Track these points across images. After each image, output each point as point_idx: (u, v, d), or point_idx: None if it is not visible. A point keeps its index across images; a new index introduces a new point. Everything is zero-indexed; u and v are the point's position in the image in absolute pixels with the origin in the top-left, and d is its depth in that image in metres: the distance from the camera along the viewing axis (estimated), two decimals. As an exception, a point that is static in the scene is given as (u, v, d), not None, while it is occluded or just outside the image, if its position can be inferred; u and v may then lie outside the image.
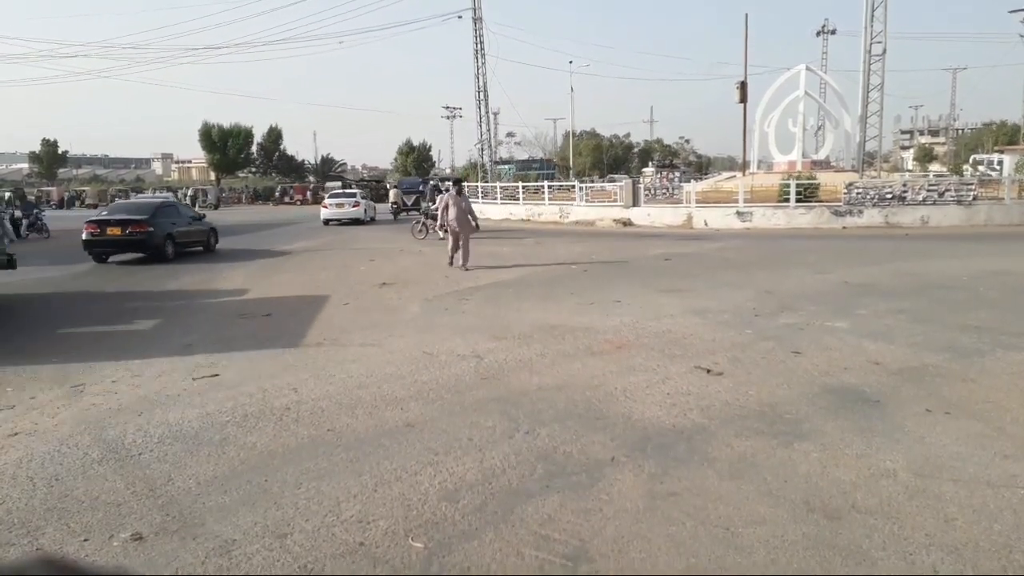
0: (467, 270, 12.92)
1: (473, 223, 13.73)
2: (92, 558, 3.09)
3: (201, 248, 17.90)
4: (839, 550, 3.02)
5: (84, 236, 15.77)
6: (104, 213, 17.12)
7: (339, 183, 46.90)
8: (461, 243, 13.43)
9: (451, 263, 13.51)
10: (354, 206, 28.20)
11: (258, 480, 3.86)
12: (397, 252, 17.16)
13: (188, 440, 4.51)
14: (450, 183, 15.87)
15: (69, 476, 3.99)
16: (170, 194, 38.95)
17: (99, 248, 15.84)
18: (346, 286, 11.56)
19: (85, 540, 3.24)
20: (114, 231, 15.72)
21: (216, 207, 47.21)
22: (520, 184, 33.51)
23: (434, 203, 21.32)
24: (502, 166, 55.69)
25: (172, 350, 7.14)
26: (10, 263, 11.13)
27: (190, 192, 52.20)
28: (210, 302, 10.44)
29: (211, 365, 6.45)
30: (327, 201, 29.25)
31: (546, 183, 32.36)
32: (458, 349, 6.82)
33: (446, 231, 13.76)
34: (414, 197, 33.24)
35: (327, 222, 27.77)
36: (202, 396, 5.47)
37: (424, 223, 20.65)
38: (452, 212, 13.58)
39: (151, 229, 15.78)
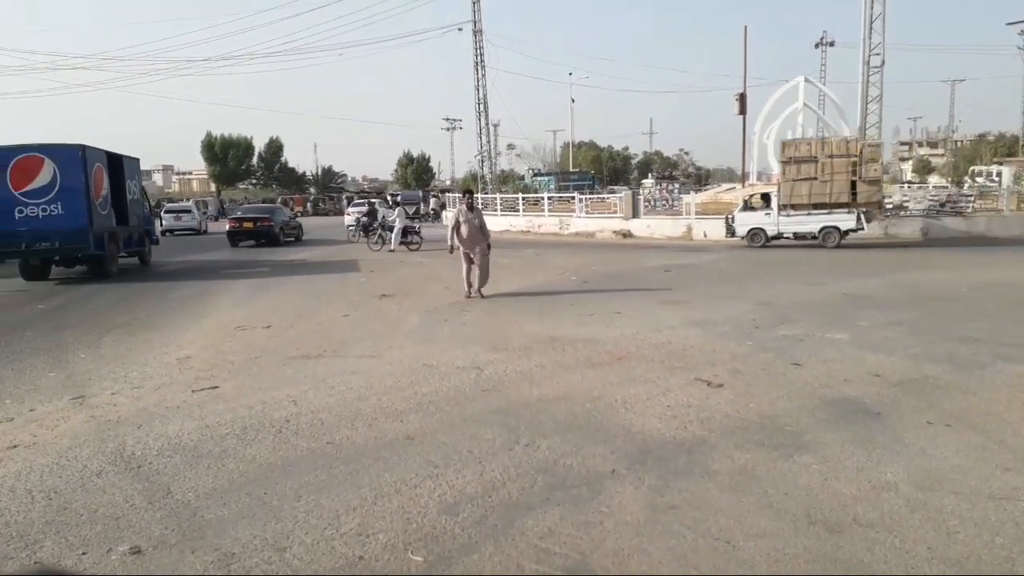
0: (484, 296, 11.09)
1: (485, 242, 11.37)
2: (90, 571, 3.07)
3: (293, 239, 26.05)
4: (840, 563, 3.01)
5: (228, 228, 24.54)
6: (239, 213, 26.70)
7: (384, 198, 48.82)
8: (478, 265, 11.19)
9: (468, 293, 11.19)
10: (368, 215, 32.53)
11: (257, 493, 3.85)
12: (397, 263, 17.20)
13: (187, 452, 4.50)
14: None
15: (68, 489, 3.97)
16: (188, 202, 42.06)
17: (238, 236, 23.91)
18: (344, 298, 11.57)
19: (83, 553, 3.23)
20: (248, 225, 23.98)
21: (217, 218, 47.35)
22: (520, 195, 33.69)
23: (375, 218, 22.10)
24: (541, 177, 55.14)
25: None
26: (155, 241, 19.81)
27: (190, 203, 52.23)
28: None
29: (211, 377, 6.45)
30: (349, 209, 34.99)
31: (546, 195, 32.48)
32: (458, 361, 6.82)
33: (455, 250, 11.54)
34: (414, 208, 37.70)
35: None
36: (201, 408, 5.46)
37: (381, 234, 21.42)
38: (464, 230, 11.20)
39: (271, 224, 23.90)
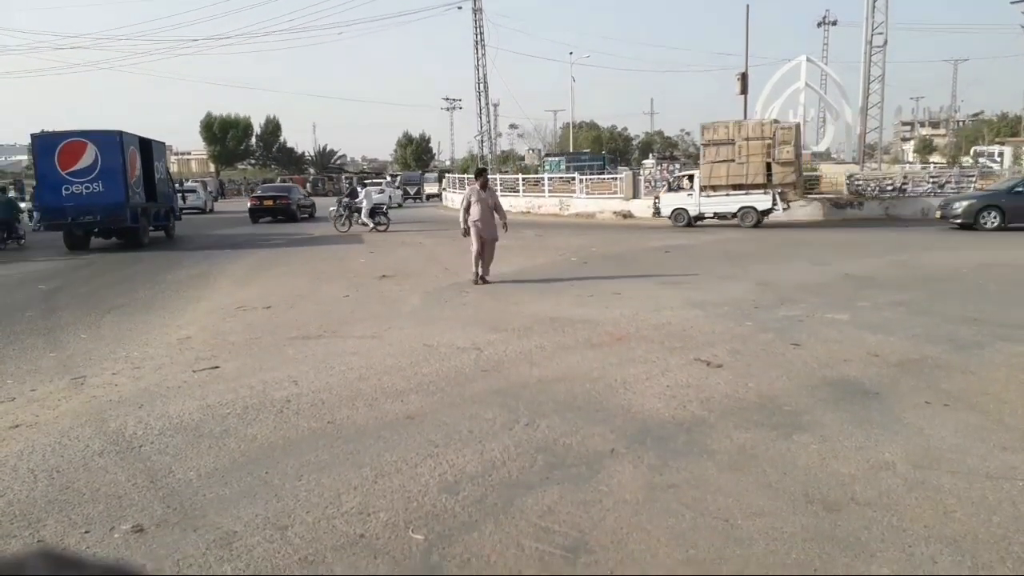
0: (487, 282, 10.45)
1: (501, 223, 10.67)
2: (93, 550, 3.10)
3: (308, 216, 27.96)
4: (838, 542, 3.03)
5: (249, 206, 26.53)
6: (259, 192, 28.60)
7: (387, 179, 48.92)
8: (487, 250, 10.54)
9: (476, 279, 10.44)
10: (379, 193, 33.83)
11: (259, 472, 3.87)
12: (398, 244, 17.17)
13: (189, 432, 4.52)
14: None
15: (70, 468, 3.99)
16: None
17: (258, 213, 26.00)
18: (345, 279, 11.56)
19: (86, 532, 3.25)
20: (268, 203, 26.18)
21: (217, 198, 47.20)
22: (520, 176, 33.56)
23: (355, 198, 22.18)
24: (552, 158, 54.70)
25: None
26: (178, 217, 21.76)
27: (189, 183, 52.02)
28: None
29: (212, 357, 6.46)
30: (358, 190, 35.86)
31: (546, 175, 32.36)
32: (458, 341, 6.82)
33: (467, 233, 10.66)
34: (415, 188, 38.99)
35: None
36: (202, 388, 5.47)
37: (350, 217, 21.58)
38: (476, 211, 10.37)
39: (290, 202, 26.20)
